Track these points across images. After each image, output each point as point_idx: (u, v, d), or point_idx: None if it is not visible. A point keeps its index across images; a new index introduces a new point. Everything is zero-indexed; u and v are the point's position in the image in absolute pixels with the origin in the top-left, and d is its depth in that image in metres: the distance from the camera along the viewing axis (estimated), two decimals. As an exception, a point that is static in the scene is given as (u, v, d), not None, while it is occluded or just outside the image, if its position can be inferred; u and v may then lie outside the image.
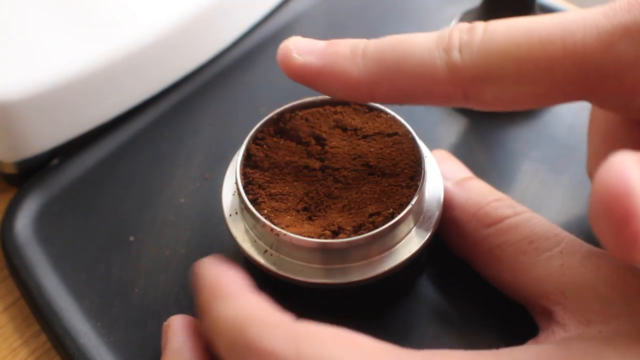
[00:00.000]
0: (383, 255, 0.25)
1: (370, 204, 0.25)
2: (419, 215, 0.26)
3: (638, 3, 0.21)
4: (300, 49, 0.24)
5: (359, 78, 0.24)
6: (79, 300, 0.29)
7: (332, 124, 0.27)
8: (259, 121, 0.27)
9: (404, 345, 0.21)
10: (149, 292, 0.29)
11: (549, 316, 0.24)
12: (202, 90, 0.36)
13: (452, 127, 0.34)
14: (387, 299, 0.28)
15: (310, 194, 0.25)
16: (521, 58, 0.22)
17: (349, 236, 0.24)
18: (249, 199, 0.25)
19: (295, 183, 0.26)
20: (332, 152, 0.26)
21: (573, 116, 0.34)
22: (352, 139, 0.27)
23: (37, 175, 0.33)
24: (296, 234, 0.24)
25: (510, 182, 0.32)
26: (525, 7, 0.33)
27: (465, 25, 0.23)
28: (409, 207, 0.24)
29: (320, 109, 0.28)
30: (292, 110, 0.28)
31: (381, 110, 0.27)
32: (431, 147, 0.33)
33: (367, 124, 0.27)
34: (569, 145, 0.33)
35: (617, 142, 0.25)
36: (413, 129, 0.27)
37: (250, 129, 0.27)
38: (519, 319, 0.26)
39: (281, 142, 0.27)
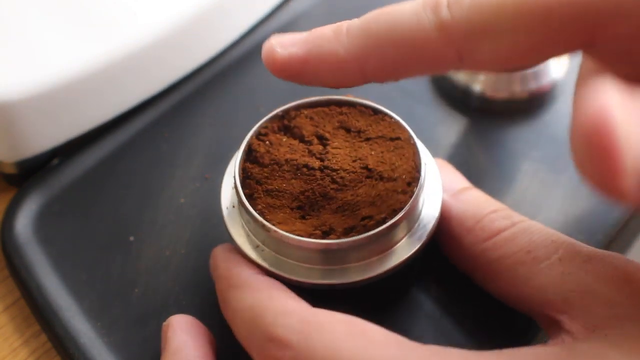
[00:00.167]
0: (371, 260, 0.25)
1: (364, 207, 0.24)
2: (413, 222, 0.25)
3: None
4: (283, 43, 0.24)
5: (346, 57, 0.23)
6: (79, 300, 0.29)
7: (337, 124, 0.27)
8: (259, 120, 0.27)
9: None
10: (149, 292, 0.29)
11: (556, 325, 0.23)
12: (202, 90, 0.36)
13: (452, 127, 0.34)
14: (377, 303, 0.28)
15: (306, 193, 0.25)
16: (517, 5, 0.20)
17: (339, 238, 0.24)
18: (245, 194, 0.25)
19: (292, 181, 0.26)
20: (333, 152, 0.26)
21: (573, 116, 0.34)
22: (354, 140, 0.27)
23: (37, 175, 0.33)
24: (286, 231, 0.24)
25: (510, 182, 0.32)
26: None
27: None
28: (401, 213, 0.24)
29: (326, 109, 0.28)
30: (298, 108, 0.28)
31: (386, 114, 0.27)
32: (431, 148, 0.33)
33: (371, 126, 0.27)
34: (569, 145, 0.33)
35: None
36: (413, 129, 0.27)
37: (251, 129, 0.27)
38: (517, 320, 0.26)
39: (284, 139, 0.27)
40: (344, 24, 0.23)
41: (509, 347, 0.22)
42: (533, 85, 0.34)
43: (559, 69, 0.34)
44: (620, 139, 0.16)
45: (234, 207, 0.26)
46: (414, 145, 0.26)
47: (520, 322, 0.27)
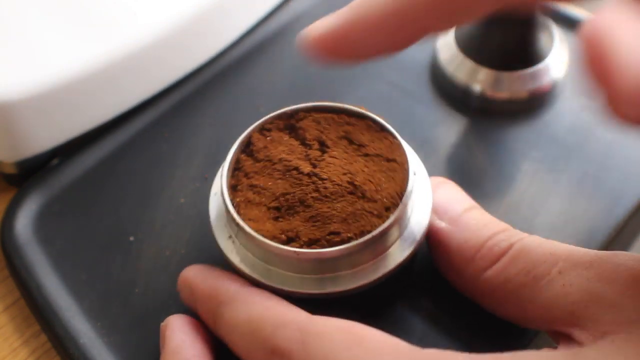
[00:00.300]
0: (325, 276, 0.25)
1: (335, 222, 0.24)
2: (380, 250, 0.25)
3: None
4: (320, 24, 0.22)
5: (395, 5, 0.21)
6: (79, 300, 0.29)
7: (342, 133, 0.27)
8: (256, 122, 0.27)
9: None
10: (149, 292, 0.29)
11: (567, 338, 0.23)
12: (202, 90, 0.36)
13: (452, 127, 0.34)
14: (371, 307, 0.28)
15: (286, 196, 0.25)
16: None
17: (300, 247, 0.24)
18: (230, 184, 0.25)
19: (279, 181, 0.26)
20: (328, 161, 0.26)
21: (573, 116, 0.34)
22: (353, 153, 0.26)
23: (37, 175, 0.33)
24: (253, 228, 0.24)
25: (510, 182, 0.32)
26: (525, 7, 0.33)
27: None
28: (367, 237, 0.24)
29: (336, 116, 0.27)
30: (308, 110, 0.28)
31: (391, 133, 0.27)
32: (431, 148, 0.33)
33: (373, 142, 0.27)
34: (569, 145, 0.33)
35: None
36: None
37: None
38: (512, 324, 0.26)
39: (285, 138, 0.27)
40: None
41: (507, 349, 0.22)
42: (533, 85, 0.34)
43: (559, 68, 0.34)
44: (613, 49, 0.16)
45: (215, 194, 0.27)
46: (407, 171, 0.26)
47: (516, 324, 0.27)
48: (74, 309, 0.29)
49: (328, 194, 0.25)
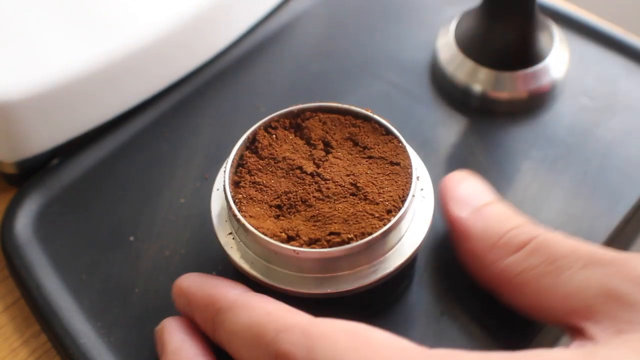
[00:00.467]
0: (324, 276, 0.24)
1: (336, 223, 0.24)
2: (380, 252, 0.25)
3: None
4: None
5: None
6: (79, 300, 0.29)
7: (347, 134, 0.27)
8: (259, 121, 0.27)
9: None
10: (149, 292, 0.29)
11: (581, 333, 0.23)
12: (202, 90, 0.36)
13: (452, 127, 0.34)
14: (374, 307, 0.28)
15: (289, 194, 0.25)
16: None
17: (300, 246, 0.24)
18: (232, 180, 0.25)
19: (281, 179, 0.26)
20: (332, 161, 0.26)
21: (573, 116, 0.34)
22: (357, 155, 0.26)
23: (37, 175, 0.33)
24: (253, 226, 0.24)
25: (510, 182, 0.32)
26: (525, 7, 0.33)
27: None
28: (367, 238, 0.24)
29: (341, 117, 0.27)
30: (315, 110, 0.28)
31: (396, 137, 0.27)
32: (431, 148, 0.33)
33: (378, 145, 0.27)
34: (569, 145, 0.33)
35: None
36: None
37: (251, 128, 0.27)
38: (513, 323, 0.26)
39: (290, 137, 0.27)
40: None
41: (510, 348, 0.22)
42: (533, 85, 0.34)
43: (559, 69, 0.34)
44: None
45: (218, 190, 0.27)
46: (410, 175, 0.26)
47: (521, 322, 0.27)
48: (74, 309, 0.29)
49: (330, 195, 0.25)
